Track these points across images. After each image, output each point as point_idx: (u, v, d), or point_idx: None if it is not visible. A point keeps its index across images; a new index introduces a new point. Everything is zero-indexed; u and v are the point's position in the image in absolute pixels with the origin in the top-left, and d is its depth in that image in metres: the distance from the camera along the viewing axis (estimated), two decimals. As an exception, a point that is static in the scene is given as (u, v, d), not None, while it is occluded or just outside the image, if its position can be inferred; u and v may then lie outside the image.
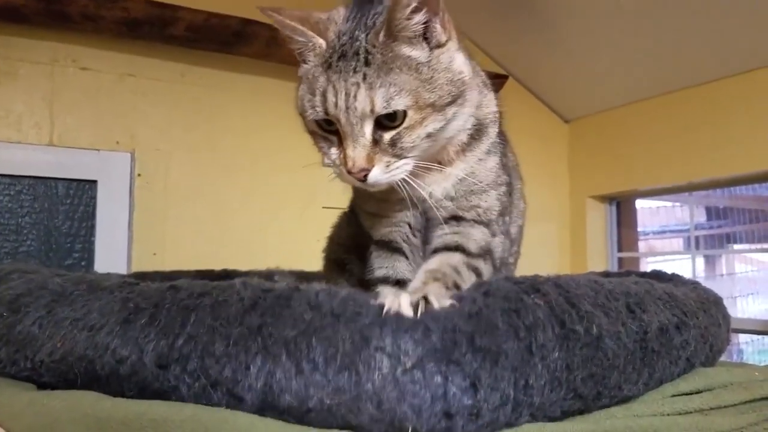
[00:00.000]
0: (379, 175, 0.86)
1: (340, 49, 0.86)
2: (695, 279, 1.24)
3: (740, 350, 4.05)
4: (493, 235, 1.06)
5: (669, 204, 4.38)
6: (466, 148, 1.00)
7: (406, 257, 1.11)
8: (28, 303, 0.79)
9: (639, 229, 3.76)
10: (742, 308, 4.49)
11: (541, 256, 3.35)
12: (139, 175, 2.40)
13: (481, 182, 1.02)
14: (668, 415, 0.73)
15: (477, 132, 1.01)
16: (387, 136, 0.86)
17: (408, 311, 0.67)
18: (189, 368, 0.65)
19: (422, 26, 0.87)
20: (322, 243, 1.40)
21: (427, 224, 1.08)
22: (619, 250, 3.55)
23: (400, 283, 1.08)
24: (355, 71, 0.84)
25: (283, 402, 0.61)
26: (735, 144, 2.76)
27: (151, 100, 2.46)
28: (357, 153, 0.85)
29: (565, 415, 0.66)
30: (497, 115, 1.08)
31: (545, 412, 0.64)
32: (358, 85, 0.83)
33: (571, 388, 0.65)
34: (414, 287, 0.91)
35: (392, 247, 1.10)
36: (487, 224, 1.04)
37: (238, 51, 2.51)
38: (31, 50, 2.24)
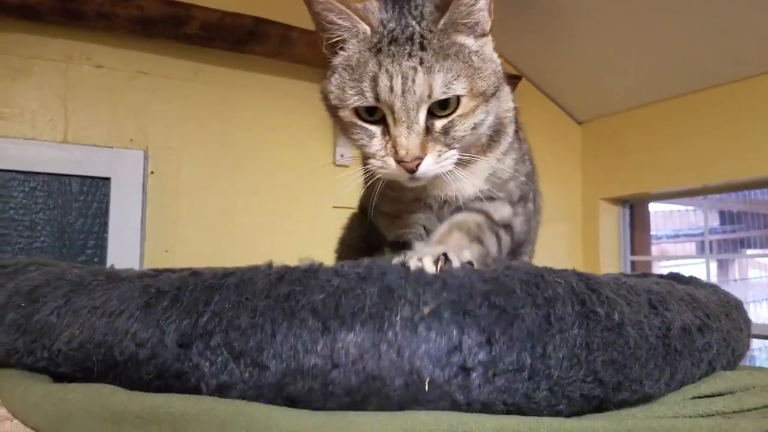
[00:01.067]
0: (431, 165, 0.84)
1: (389, 34, 0.83)
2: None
3: (753, 356, 4.00)
4: (515, 214, 1.07)
5: (682, 208, 4.34)
6: (486, 149, 1.00)
7: None
8: (46, 293, 0.79)
9: (652, 232, 3.73)
10: (755, 313, 4.44)
11: (552, 259, 3.31)
12: (152, 172, 2.42)
13: (500, 178, 1.03)
14: (690, 417, 0.72)
15: (496, 133, 1.00)
16: (439, 124, 0.84)
17: (431, 268, 0.70)
18: (212, 344, 0.65)
19: (482, 14, 0.86)
20: (333, 242, 1.40)
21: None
22: (632, 253, 3.51)
23: None
24: (410, 55, 0.81)
25: (308, 363, 0.62)
26: (750, 147, 2.73)
27: (164, 98, 2.47)
28: (411, 140, 0.82)
29: (585, 399, 0.65)
30: (514, 113, 1.07)
31: (564, 391, 0.64)
32: (415, 69, 0.80)
33: (591, 370, 0.64)
34: (438, 235, 0.93)
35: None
36: (512, 204, 1.06)
37: (250, 50, 2.52)
38: (46, 48, 2.26)
